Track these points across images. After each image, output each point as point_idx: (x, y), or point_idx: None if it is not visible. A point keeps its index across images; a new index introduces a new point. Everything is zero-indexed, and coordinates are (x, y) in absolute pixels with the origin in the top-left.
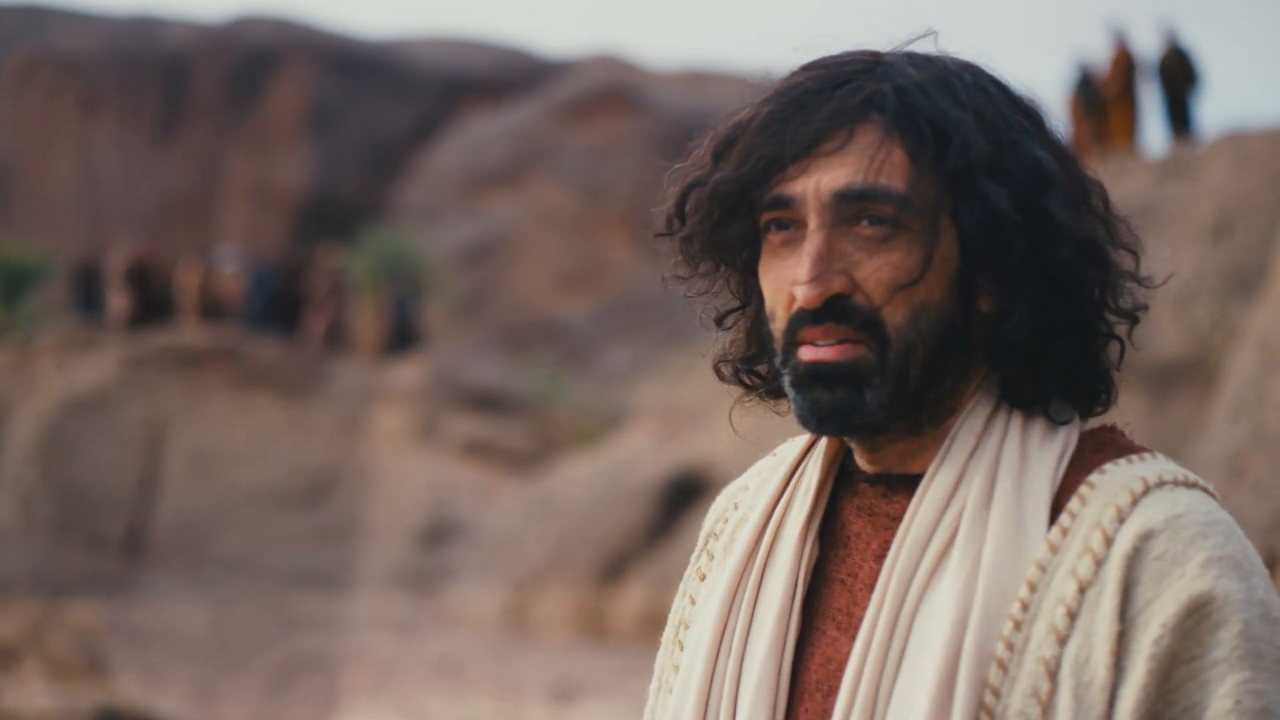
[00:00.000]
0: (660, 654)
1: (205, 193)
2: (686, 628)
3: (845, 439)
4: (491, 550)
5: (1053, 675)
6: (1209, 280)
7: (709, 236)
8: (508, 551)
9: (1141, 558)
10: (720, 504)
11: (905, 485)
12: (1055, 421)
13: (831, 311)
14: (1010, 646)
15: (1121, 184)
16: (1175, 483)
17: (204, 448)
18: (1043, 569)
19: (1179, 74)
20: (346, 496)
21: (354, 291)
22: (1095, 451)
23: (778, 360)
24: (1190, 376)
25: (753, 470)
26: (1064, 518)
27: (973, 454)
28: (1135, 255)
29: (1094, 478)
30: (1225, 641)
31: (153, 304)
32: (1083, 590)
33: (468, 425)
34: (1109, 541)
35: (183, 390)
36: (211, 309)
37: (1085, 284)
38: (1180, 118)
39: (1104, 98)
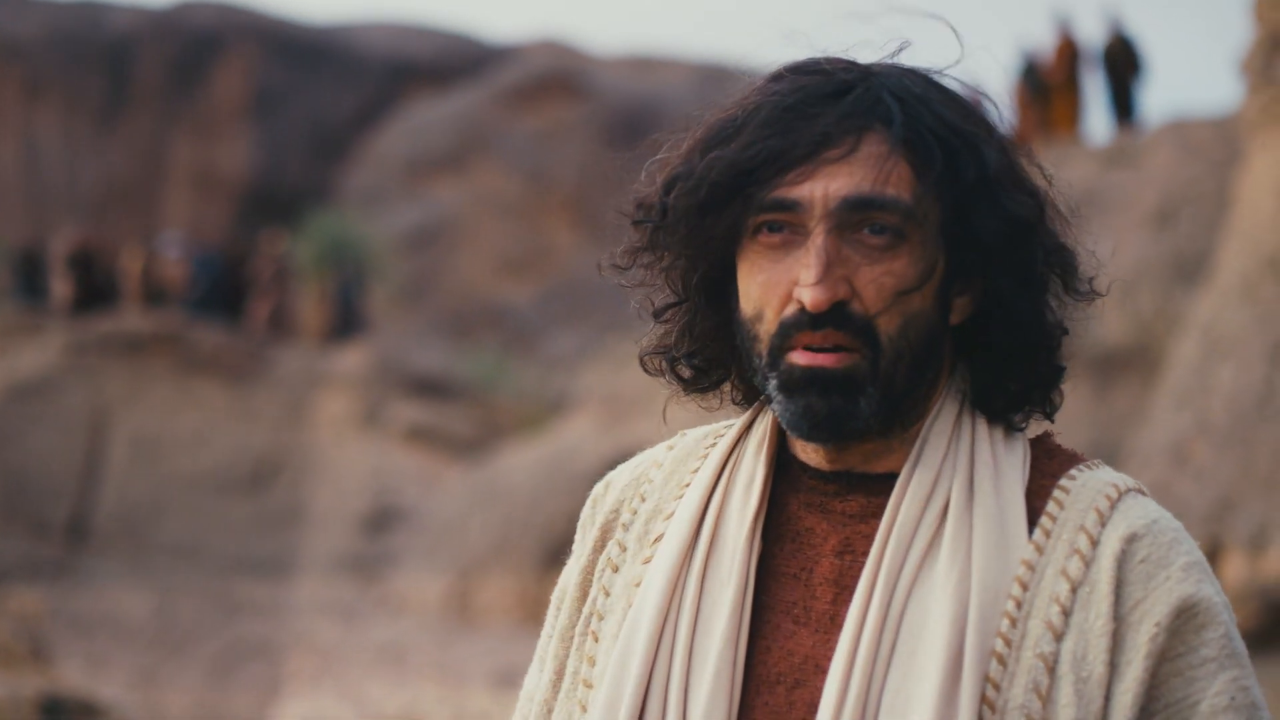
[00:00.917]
0: (553, 645)
1: (149, 178)
2: (601, 619)
3: (809, 440)
4: (435, 537)
5: (1052, 670)
6: (1152, 268)
7: (692, 227)
8: (451, 538)
9: (1128, 560)
10: (616, 493)
11: (864, 484)
12: (1014, 428)
13: (832, 316)
14: (1008, 643)
15: (1065, 171)
16: (1133, 490)
17: (147, 434)
18: (1031, 568)
19: (1123, 62)
20: (290, 483)
21: (298, 277)
22: (1048, 458)
23: (761, 363)
24: (1133, 364)
25: (645, 460)
26: (1044, 520)
27: (945, 456)
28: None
29: (1065, 483)
30: (1212, 642)
31: (96, 290)
32: (1075, 589)
33: (411, 411)
34: (1094, 543)
35: (126, 376)
36: (155, 295)
37: (1049, 285)
38: (1124, 106)
39: (1049, 85)
